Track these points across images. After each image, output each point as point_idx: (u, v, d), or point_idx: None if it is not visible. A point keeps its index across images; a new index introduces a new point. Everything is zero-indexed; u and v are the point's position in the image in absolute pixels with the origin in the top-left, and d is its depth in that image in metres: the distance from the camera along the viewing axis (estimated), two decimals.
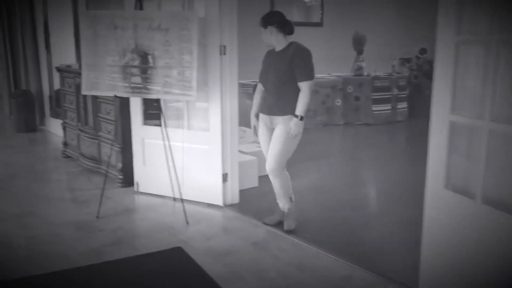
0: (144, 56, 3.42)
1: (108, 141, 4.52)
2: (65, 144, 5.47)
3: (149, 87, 3.44)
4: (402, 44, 9.77)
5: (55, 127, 6.84)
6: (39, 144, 6.40)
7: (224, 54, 3.61)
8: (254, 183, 4.28)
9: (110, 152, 4.52)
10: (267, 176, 3.29)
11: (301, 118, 3.04)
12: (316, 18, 8.69)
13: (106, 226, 3.42)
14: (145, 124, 4.06)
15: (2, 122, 8.13)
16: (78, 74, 4.84)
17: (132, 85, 3.47)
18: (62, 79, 5.35)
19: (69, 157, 5.38)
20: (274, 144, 3.13)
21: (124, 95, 3.53)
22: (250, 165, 4.25)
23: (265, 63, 3.24)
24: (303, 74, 3.03)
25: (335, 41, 8.84)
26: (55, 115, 6.84)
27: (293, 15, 8.22)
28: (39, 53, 7.14)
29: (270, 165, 3.17)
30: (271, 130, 3.23)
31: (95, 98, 4.56)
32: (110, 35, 3.45)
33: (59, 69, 5.38)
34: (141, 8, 3.52)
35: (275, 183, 3.25)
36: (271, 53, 3.21)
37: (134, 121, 4.11)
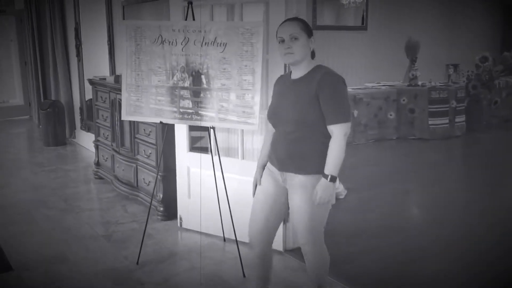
0: (196, 76, 2.85)
1: (147, 166, 3.99)
2: (98, 164, 4.98)
3: (201, 112, 2.87)
4: (456, 50, 9.02)
5: (85, 141, 6.38)
6: (69, 160, 5.93)
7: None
8: None
9: (149, 179, 3.99)
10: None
11: (333, 179, 2.04)
12: (357, 22, 8.00)
13: (148, 278, 2.86)
14: (191, 150, 3.49)
15: (30, 133, 7.75)
16: (114, 89, 4.33)
17: (182, 110, 2.90)
18: (95, 92, 4.85)
19: (101, 178, 4.88)
20: (299, 215, 2.16)
21: (172, 121, 2.96)
22: None
23: (278, 95, 2.21)
24: (337, 113, 2.03)
25: (381, 47, 8.17)
26: (86, 128, 6.39)
27: (324, 19, 7.56)
28: (69, 62, 6.70)
29: (304, 238, 2.19)
30: (281, 188, 2.22)
31: None
32: (155, 51, 2.89)
33: (92, 82, 4.88)
34: (192, 18, 2.94)
35: (312, 259, 2.26)
36: (285, 80, 2.22)
37: (178, 146, 3.54)
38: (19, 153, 6.28)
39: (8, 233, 3.57)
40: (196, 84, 2.85)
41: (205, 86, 2.84)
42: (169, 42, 2.86)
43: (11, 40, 8.66)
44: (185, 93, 2.88)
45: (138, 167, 4.15)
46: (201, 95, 2.85)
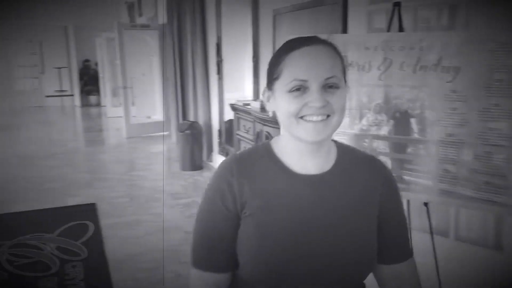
0: (401, 120, 1.79)
1: None
2: None
3: (408, 178, 1.80)
4: None
5: None
6: None
7: None
8: None
9: None
10: None
11: None
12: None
13: None
14: None
15: (169, 153, 7.44)
16: (260, 119, 3.49)
17: None
18: (237, 119, 4.10)
19: None
20: None
21: None
22: None
23: (280, 209, 1.05)
24: (407, 242, 1.16)
25: None
26: (224, 153, 5.73)
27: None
28: (209, 79, 6.14)
29: None
30: None
31: None
32: None
33: (234, 108, 4.14)
34: (399, 27, 1.88)
35: None
36: (282, 176, 1.07)
37: None
38: (156, 179, 5.87)
39: None
40: (401, 133, 1.80)
41: (417, 136, 1.76)
42: (358, 66, 1.85)
43: (152, 56, 8.56)
44: (381, 145, 1.84)
45: None
46: (409, 150, 1.78)
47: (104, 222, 4.10)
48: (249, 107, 3.80)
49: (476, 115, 1.62)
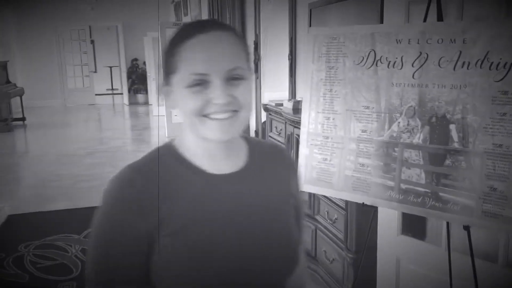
0: (439, 126, 1.50)
1: (331, 235, 2.78)
2: None
3: (445, 196, 1.51)
4: None
5: None
6: None
7: None
8: None
9: (333, 256, 2.78)
10: None
11: None
12: None
13: None
14: (404, 233, 2.14)
15: None
16: (291, 121, 3.25)
17: (404, 185, 1.58)
18: (269, 120, 3.88)
19: None
20: None
21: (385, 204, 1.66)
22: None
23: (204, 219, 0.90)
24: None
25: None
26: None
27: None
28: None
29: None
30: None
31: None
32: (362, 77, 1.64)
33: (266, 108, 3.92)
34: (437, 16, 1.59)
35: None
36: (197, 178, 0.92)
37: (383, 222, 2.23)
38: None
39: None
40: (437, 142, 1.51)
41: (456, 146, 1.47)
42: (389, 62, 1.58)
43: None
44: (414, 155, 1.56)
45: (318, 231, 2.96)
46: (448, 162, 1.49)
47: None
48: (281, 108, 3.57)
49: None
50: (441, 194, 1.49)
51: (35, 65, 12.42)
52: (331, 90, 1.71)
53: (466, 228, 1.50)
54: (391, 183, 1.60)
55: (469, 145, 1.44)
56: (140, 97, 13.48)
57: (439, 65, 1.47)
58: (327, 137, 1.74)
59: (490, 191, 1.40)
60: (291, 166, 1.08)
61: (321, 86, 1.73)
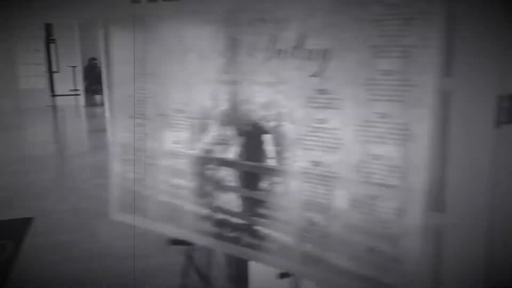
0: (254, 136, 1.12)
1: None
2: None
3: (260, 230, 1.12)
4: None
5: None
6: None
7: None
8: None
9: None
10: None
11: None
12: None
13: None
14: None
15: None
16: None
17: (221, 216, 1.20)
18: None
19: None
20: None
21: (197, 239, 1.27)
22: None
23: None
24: None
25: None
26: None
27: None
28: None
29: None
30: None
31: None
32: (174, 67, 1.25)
33: None
34: None
35: None
36: None
37: None
38: None
39: None
40: (253, 157, 1.13)
41: (272, 163, 1.09)
42: (195, 52, 1.19)
43: None
44: (231, 175, 1.17)
45: None
46: (265, 185, 1.11)
47: (32, 241, 3.56)
48: None
49: (353, 131, 0.94)
50: (255, 227, 1.11)
51: None
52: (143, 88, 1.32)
53: (284, 276, 1.12)
54: (205, 211, 1.21)
55: (285, 163, 1.06)
56: (99, 98, 12.93)
57: (250, 55, 1.09)
58: (140, 150, 1.34)
59: (309, 226, 1.02)
60: None
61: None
